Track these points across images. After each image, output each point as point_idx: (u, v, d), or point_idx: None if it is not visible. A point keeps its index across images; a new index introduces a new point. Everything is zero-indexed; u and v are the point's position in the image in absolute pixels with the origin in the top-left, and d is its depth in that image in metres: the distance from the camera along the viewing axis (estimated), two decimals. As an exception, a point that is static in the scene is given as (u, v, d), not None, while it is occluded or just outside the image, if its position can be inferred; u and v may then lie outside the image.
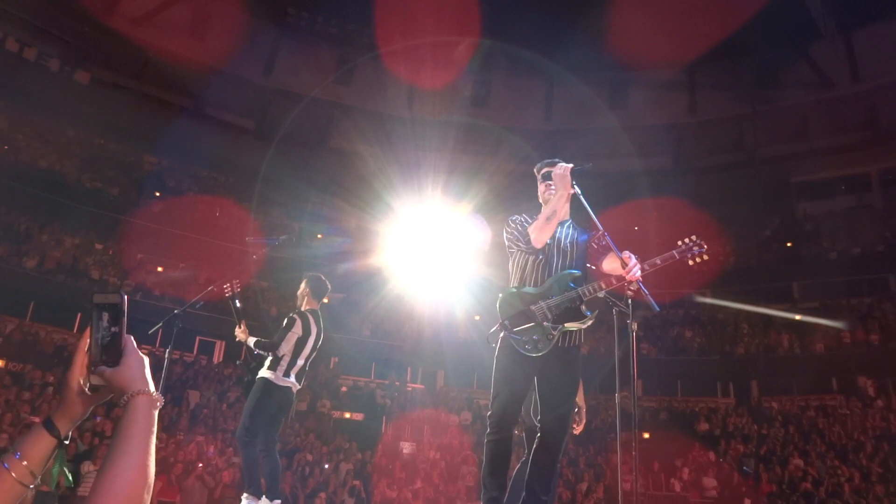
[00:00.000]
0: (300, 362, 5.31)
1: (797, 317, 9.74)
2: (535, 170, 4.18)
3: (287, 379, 5.23)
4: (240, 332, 5.05)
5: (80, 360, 1.07)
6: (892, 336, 9.34)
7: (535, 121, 8.65)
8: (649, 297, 3.63)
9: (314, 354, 5.36)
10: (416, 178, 8.76)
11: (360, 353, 9.84)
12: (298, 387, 5.30)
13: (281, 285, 9.66)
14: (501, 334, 3.82)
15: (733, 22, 7.90)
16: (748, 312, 9.63)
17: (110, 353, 1.07)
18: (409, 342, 10.03)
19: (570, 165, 3.80)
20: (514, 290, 3.81)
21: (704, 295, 9.36)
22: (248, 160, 8.50)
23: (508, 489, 3.62)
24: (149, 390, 1.02)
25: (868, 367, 9.54)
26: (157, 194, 9.03)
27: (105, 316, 1.08)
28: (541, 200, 4.11)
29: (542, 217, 3.75)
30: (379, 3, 7.26)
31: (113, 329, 1.08)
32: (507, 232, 3.89)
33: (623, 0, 7.55)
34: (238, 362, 5.09)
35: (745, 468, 8.97)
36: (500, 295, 3.72)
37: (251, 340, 5.08)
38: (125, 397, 1.01)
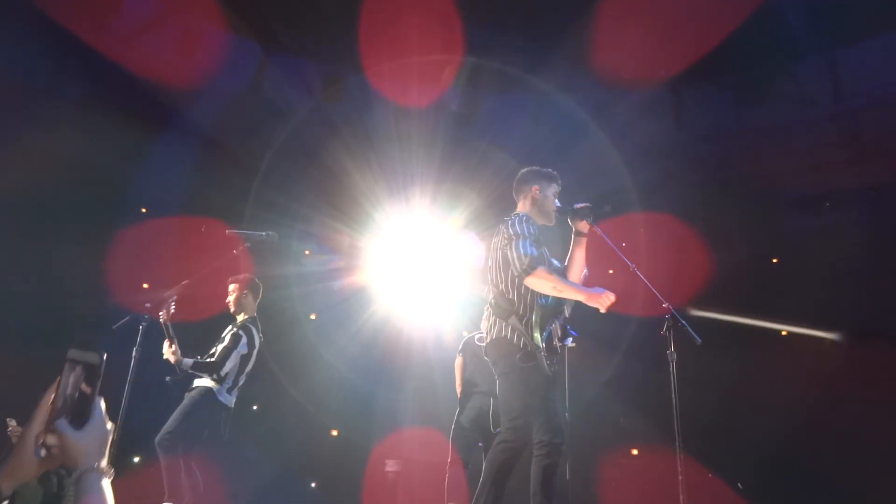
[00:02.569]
0: (242, 380, 5.17)
1: (783, 332, 9.77)
2: (541, 174, 4.21)
3: (229, 397, 5.09)
4: (169, 353, 4.78)
5: (42, 416, 0.95)
6: (880, 347, 9.34)
7: (522, 137, 8.69)
8: (689, 329, 3.83)
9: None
10: (403, 194, 8.79)
11: (349, 371, 9.79)
12: (232, 409, 5.14)
13: (268, 304, 9.58)
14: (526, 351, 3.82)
15: (717, 39, 7.97)
16: (734, 326, 9.66)
17: (76, 413, 0.96)
18: (398, 359, 10.00)
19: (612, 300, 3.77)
20: (546, 304, 3.83)
21: (690, 310, 9.40)
22: (235, 177, 8.51)
23: None
24: (102, 465, 0.92)
25: (857, 380, 9.54)
26: (144, 210, 9.01)
27: (78, 371, 0.97)
28: (535, 199, 4.12)
29: (562, 285, 3.73)
30: (365, 22, 7.31)
31: (84, 388, 0.97)
32: (511, 236, 3.89)
33: (607, 18, 7.61)
34: (167, 379, 4.87)
35: (738, 484, 8.96)
36: (539, 308, 3.74)
37: (186, 362, 4.80)
38: (76, 473, 0.91)
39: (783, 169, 9.46)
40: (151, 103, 7.83)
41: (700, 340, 3.84)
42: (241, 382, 5.13)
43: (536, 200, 4.11)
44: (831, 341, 9.70)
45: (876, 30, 8.16)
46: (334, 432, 9.75)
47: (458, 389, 5.97)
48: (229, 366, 5.00)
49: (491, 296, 3.96)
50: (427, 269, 9.04)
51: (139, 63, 7.42)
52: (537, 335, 3.62)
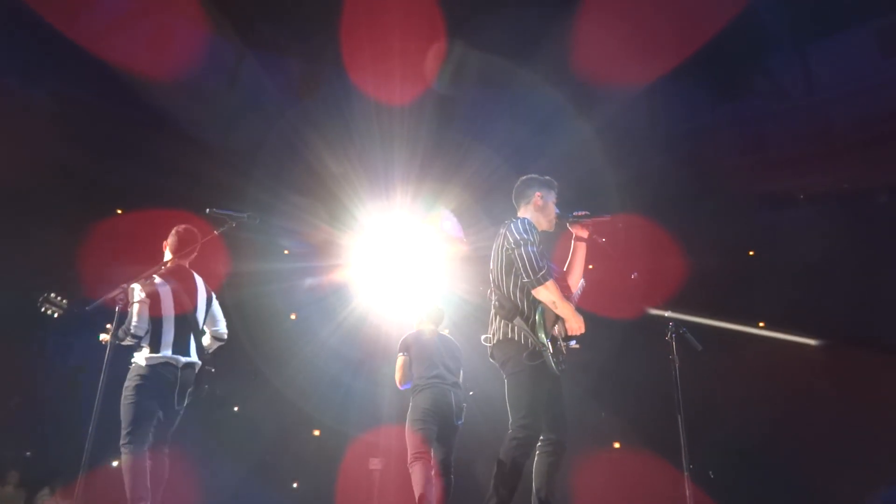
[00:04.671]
0: (171, 335, 4.46)
1: (759, 324, 9.90)
2: (541, 181, 4.30)
3: (157, 355, 4.24)
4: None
5: None
6: (852, 343, 9.49)
7: (503, 134, 8.72)
8: (690, 336, 4.01)
9: (202, 320, 4.62)
10: (384, 191, 8.75)
11: (328, 368, 9.72)
12: (186, 359, 4.34)
13: (247, 301, 9.48)
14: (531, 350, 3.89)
15: (692, 38, 8.07)
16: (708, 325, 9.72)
17: None
18: (377, 356, 9.96)
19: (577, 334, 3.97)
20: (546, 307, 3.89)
21: (664, 308, 9.43)
22: (213, 174, 8.40)
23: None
24: None
25: (826, 375, 9.68)
26: (119, 211, 8.85)
27: None
28: (537, 205, 4.21)
29: (561, 302, 3.84)
30: (345, 18, 7.27)
31: None
32: (518, 241, 3.95)
33: (586, 17, 7.68)
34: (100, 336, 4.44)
35: (710, 473, 9.06)
36: (539, 309, 3.82)
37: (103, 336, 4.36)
38: None
39: (757, 162, 9.62)
40: (128, 99, 7.71)
41: (701, 347, 4.04)
42: (170, 338, 4.54)
43: (539, 207, 4.19)
44: (803, 338, 9.84)
45: (846, 25, 8.35)
46: (316, 432, 9.68)
47: (400, 386, 6.03)
48: (142, 325, 4.45)
49: (494, 298, 4.00)
50: (407, 266, 9.01)
51: (115, 58, 7.30)
52: (542, 334, 3.70)
